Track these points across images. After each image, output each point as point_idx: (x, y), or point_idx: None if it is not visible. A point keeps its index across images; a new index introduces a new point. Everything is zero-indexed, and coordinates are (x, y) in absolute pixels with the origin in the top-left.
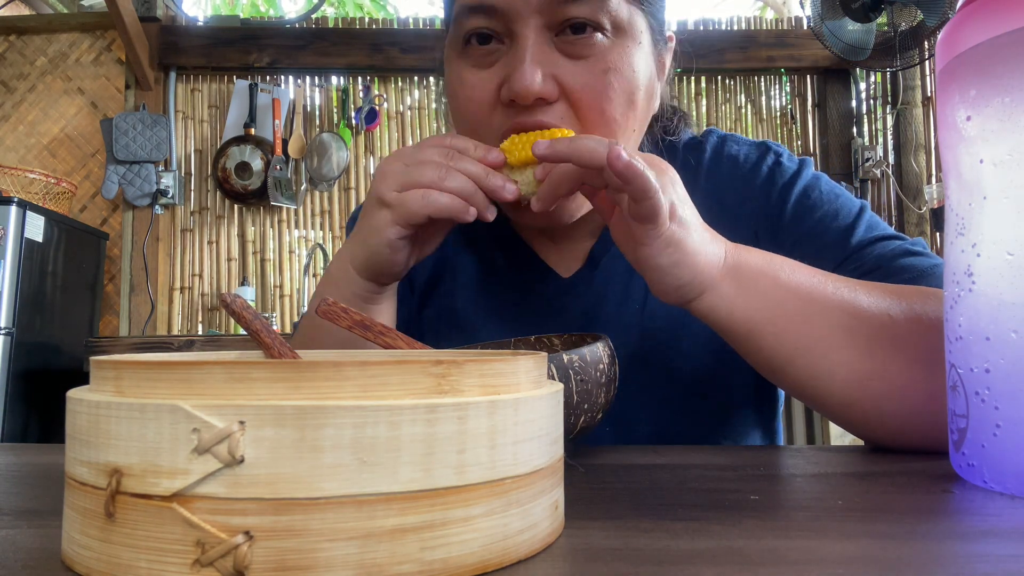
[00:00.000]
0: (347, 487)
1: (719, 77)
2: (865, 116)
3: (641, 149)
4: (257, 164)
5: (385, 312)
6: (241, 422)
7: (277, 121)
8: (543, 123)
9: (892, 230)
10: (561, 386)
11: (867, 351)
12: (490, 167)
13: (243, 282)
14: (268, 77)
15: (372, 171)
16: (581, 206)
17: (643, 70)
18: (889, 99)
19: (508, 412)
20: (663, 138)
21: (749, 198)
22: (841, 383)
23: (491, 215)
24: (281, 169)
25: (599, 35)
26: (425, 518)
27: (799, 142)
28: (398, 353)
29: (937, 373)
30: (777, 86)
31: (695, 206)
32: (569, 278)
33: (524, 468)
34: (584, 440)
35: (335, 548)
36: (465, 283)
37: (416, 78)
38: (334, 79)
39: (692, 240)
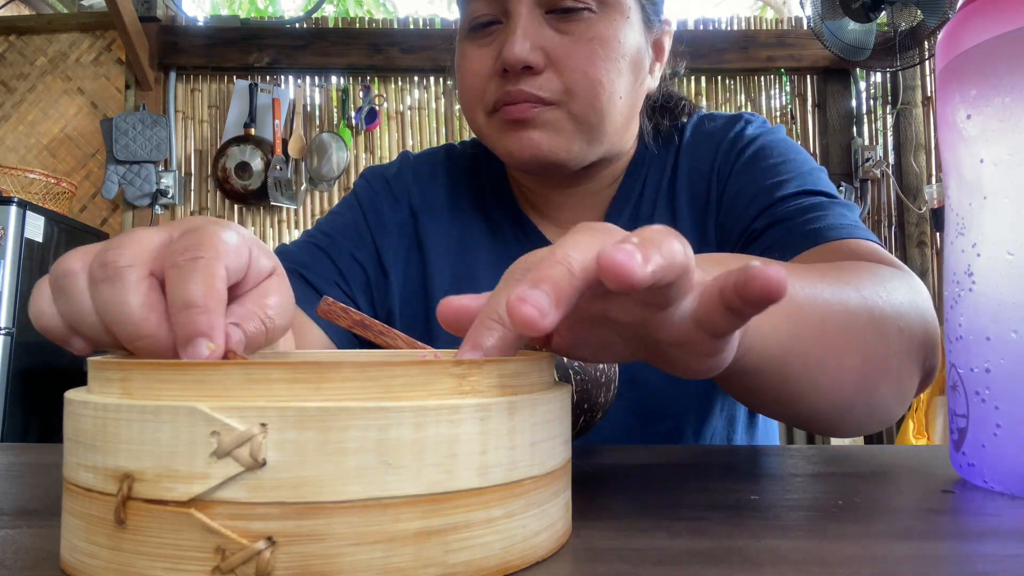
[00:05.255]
0: (372, 490)
1: (719, 77)
2: (865, 116)
3: (641, 134)
4: (257, 164)
5: None
6: (263, 424)
7: (277, 121)
8: (528, 93)
9: (834, 191)
10: (569, 386)
11: (864, 349)
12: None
13: None
14: (268, 77)
15: None
16: (572, 156)
17: (631, 42)
18: (889, 99)
19: (527, 412)
20: (664, 124)
21: (717, 162)
22: (847, 390)
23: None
24: (281, 169)
25: (586, 12)
26: (448, 520)
27: (799, 142)
28: (416, 353)
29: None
30: (777, 86)
31: (680, 186)
32: None
33: (541, 469)
34: (601, 434)
35: (359, 552)
36: (484, 259)
37: (416, 78)
38: (334, 79)
39: None
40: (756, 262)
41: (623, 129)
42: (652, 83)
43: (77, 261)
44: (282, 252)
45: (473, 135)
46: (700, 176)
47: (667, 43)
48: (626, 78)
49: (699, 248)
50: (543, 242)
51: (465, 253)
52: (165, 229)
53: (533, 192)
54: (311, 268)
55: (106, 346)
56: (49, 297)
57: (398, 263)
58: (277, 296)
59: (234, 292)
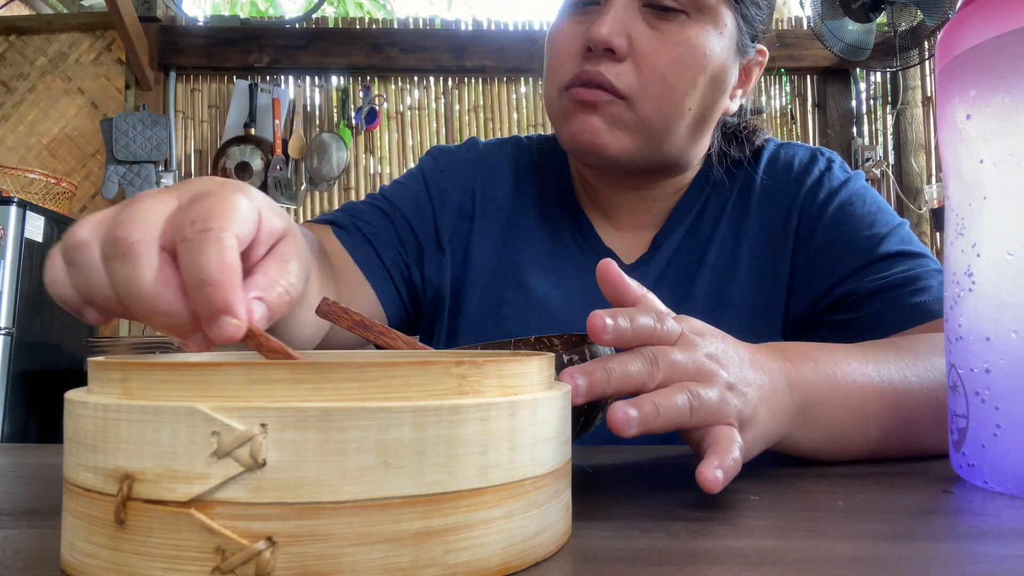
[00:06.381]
0: (372, 490)
1: None
2: (865, 116)
3: (708, 156)
4: (257, 164)
5: None
6: (263, 424)
7: (277, 121)
8: (603, 76)
9: (925, 249)
10: (569, 387)
11: (913, 436)
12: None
13: None
14: (268, 77)
15: (372, 171)
16: (628, 153)
17: (716, 57)
18: (889, 99)
19: (527, 413)
20: (735, 153)
21: (798, 198)
22: (894, 454)
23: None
24: (281, 169)
25: (683, 15)
26: (448, 520)
27: (799, 142)
28: (417, 353)
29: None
30: (777, 86)
31: (752, 211)
32: (631, 264)
33: (541, 469)
34: (601, 434)
35: (359, 552)
36: (534, 255)
37: (416, 78)
38: (334, 79)
39: (764, 428)
40: (707, 469)
41: (688, 141)
42: (731, 106)
43: (89, 232)
44: (350, 209)
45: (540, 132)
46: (775, 208)
47: (756, 73)
48: (702, 91)
49: (755, 277)
50: (598, 243)
51: (516, 248)
52: (173, 194)
53: (595, 189)
54: (375, 230)
55: (122, 316)
56: (63, 267)
57: (456, 242)
58: (296, 261)
59: (248, 255)
